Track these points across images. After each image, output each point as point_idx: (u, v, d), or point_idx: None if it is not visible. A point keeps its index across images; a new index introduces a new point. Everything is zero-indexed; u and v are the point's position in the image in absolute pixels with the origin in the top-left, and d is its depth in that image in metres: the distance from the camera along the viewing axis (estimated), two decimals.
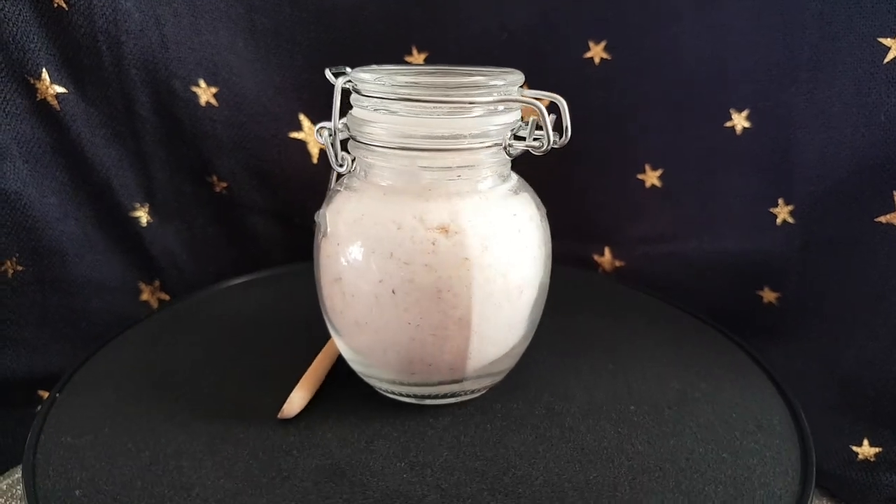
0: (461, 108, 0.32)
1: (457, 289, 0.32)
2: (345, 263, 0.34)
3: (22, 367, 0.46)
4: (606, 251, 0.56)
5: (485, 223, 0.33)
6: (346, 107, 0.34)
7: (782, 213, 0.48)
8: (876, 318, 0.42)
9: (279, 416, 0.36)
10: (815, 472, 0.33)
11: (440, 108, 0.32)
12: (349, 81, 0.33)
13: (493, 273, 0.33)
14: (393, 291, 0.32)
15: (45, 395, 0.48)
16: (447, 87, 0.32)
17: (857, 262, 0.44)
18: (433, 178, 0.33)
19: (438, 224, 0.32)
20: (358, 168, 0.35)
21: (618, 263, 0.56)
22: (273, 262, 0.56)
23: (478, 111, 0.32)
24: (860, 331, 0.43)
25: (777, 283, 0.50)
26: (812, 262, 0.47)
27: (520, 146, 0.33)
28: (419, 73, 0.35)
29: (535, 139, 0.32)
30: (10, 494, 0.44)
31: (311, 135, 0.53)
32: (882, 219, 0.41)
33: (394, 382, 0.36)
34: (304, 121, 0.53)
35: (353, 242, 0.33)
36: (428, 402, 0.37)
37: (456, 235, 0.32)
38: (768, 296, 0.50)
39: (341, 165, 0.34)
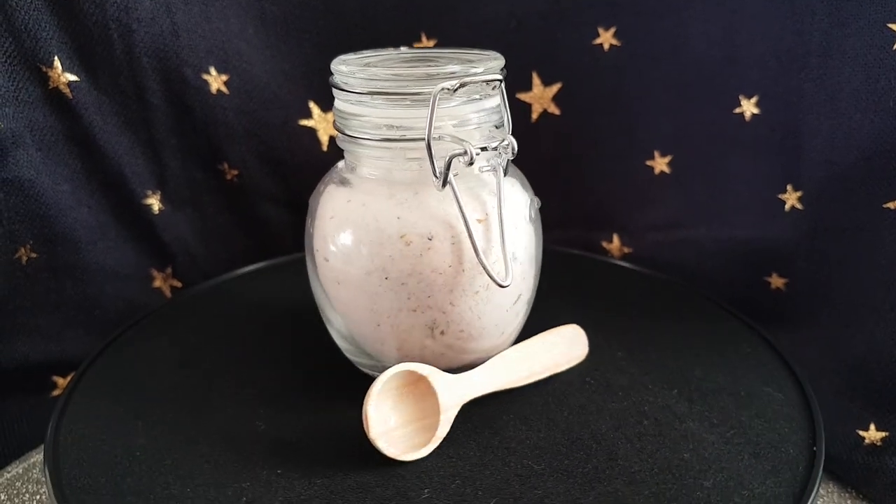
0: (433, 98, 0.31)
1: (449, 275, 0.33)
2: (336, 254, 0.34)
3: (36, 353, 0.47)
4: (615, 238, 0.57)
5: (474, 209, 0.33)
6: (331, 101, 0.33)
7: (791, 199, 0.48)
8: (884, 303, 0.42)
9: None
10: (823, 455, 0.33)
11: (415, 98, 0.31)
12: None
13: (485, 257, 0.33)
14: (386, 278, 0.33)
15: (60, 380, 0.49)
16: (419, 79, 0.31)
17: (866, 248, 0.44)
18: (421, 167, 0.33)
19: (429, 213, 0.33)
20: (347, 161, 0.35)
21: (626, 250, 0.57)
22: (284, 249, 0.56)
23: (457, 100, 0.32)
24: (868, 316, 0.44)
25: (785, 270, 0.50)
26: (820, 249, 0.47)
27: None
28: (396, 63, 0.35)
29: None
30: (26, 478, 0.44)
31: (321, 122, 0.54)
32: (891, 205, 0.42)
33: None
34: (314, 108, 0.53)
35: (345, 237, 0.34)
36: None
37: (447, 222, 0.32)
38: (776, 282, 0.51)
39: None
